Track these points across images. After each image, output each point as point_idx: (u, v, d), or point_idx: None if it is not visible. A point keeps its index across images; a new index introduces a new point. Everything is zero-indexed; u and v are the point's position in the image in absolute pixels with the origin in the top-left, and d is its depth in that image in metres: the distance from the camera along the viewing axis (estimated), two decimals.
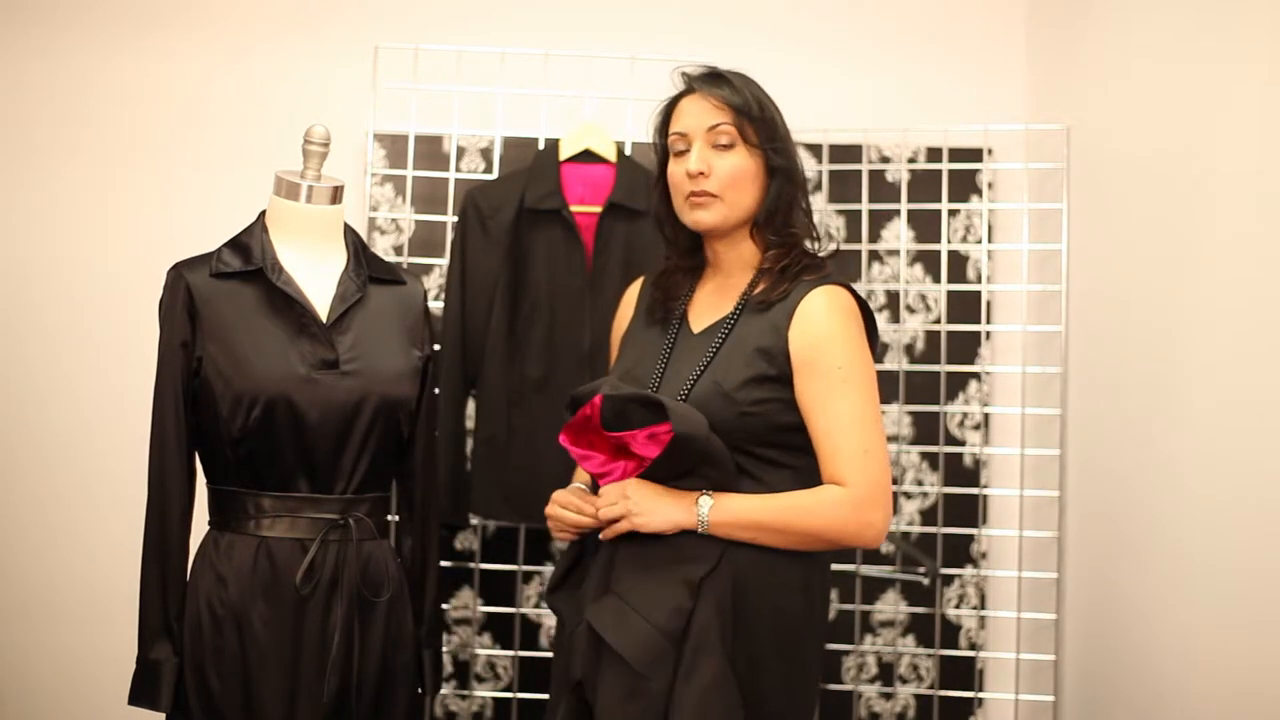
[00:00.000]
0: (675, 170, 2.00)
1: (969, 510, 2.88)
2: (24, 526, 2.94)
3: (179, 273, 1.99)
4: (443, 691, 2.87)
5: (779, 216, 1.98)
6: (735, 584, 1.84)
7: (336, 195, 2.09)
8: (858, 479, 1.84)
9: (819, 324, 1.89)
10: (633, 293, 2.17)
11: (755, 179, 1.97)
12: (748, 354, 1.89)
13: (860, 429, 1.85)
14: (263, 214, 2.08)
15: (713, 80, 2.00)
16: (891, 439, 2.91)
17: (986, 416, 2.91)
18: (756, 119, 1.96)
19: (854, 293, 1.95)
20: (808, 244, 2.03)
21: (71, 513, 2.94)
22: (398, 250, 2.91)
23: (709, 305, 2.02)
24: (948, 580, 2.89)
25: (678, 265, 2.08)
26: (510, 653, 2.84)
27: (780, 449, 1.89)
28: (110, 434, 2.91)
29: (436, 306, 2.65)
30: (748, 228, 2.00)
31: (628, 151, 2.74)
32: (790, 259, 1.96)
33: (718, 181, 1.95)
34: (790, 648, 1.89)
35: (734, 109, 1.96)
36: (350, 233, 2.12)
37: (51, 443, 2.95)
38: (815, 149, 2.94)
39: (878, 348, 2.02)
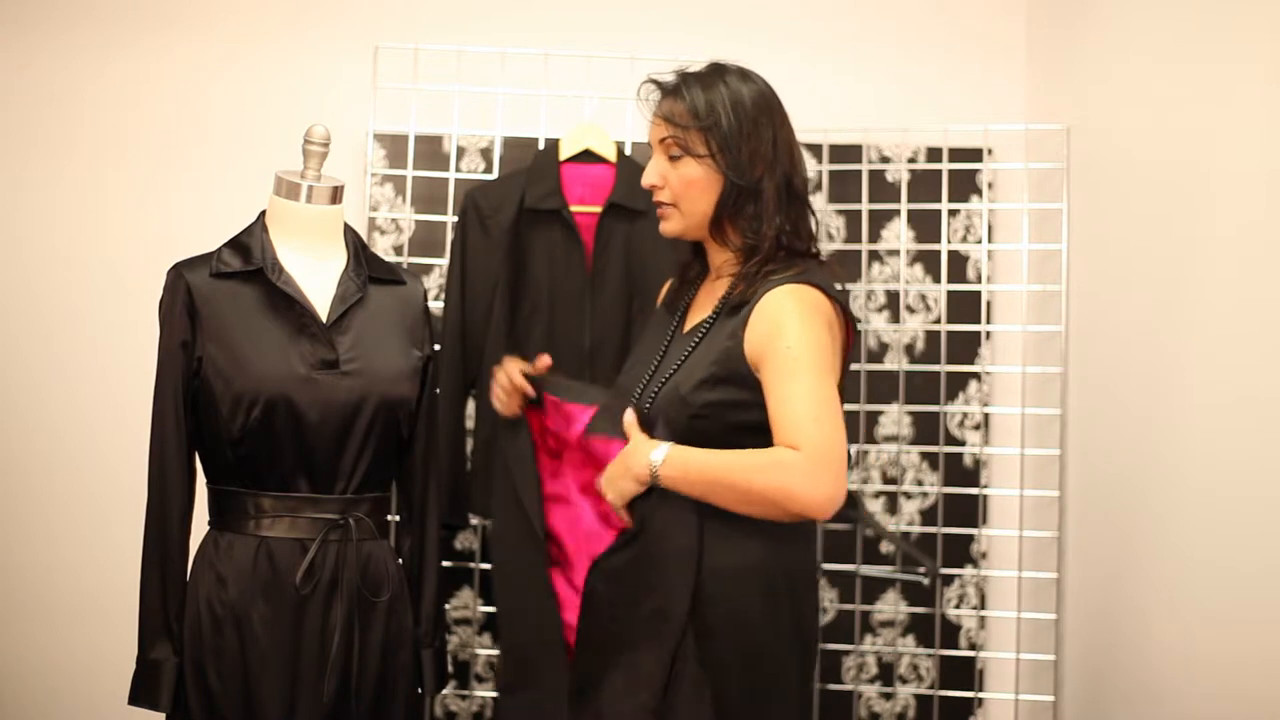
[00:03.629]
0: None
1: (969, 510, 2.88)
2: (24, 526, 2.94)
3: (179, 273, 1.99)
4: (443, 691, 2.87)
5: (740, 223, 1.98)
6: (695, 595, 1.87)
7: (336, 195, 2.08)
8: (808, 443, 1.82)
9: (772, 316, 1.89)
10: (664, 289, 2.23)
11: (708, 188, 1.98)
12: (713, 355, 1.92)
13: (810, 401, 1.84)
14: (263, 214, 2.08)
15: (667, 90, 2.02)
16: (891, 439, 2.91)
17: (986, 416, 2.91)
18: (705, 128, 1.96)
19: (826, 291, 1.93)
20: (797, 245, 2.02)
21: (71, 513, 2.94)
22: (398, 250, 2.91)
23: (702, 306, 2.06)
24: (948, 580, 2.89)
25: (692, 259, 2.13)
26: None
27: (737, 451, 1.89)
28: (110, 434, 2.91)
29: (436, 306, 2.65)
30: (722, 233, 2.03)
31: (628, 151, 2.74)
32: (755, 264, 1.97)
33: (670, 192, 2.00)
34: (753, 657, 1.89)
35: (675, 123, 1.98)
36: (350, 233, 2.12)
37: (51, 442, 2.95)
38: (815, 149, 2.94)
39: (855, 347, 2.02)
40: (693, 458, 1.87)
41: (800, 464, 1.81)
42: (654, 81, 2.04)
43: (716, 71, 2.03)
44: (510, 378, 2.19)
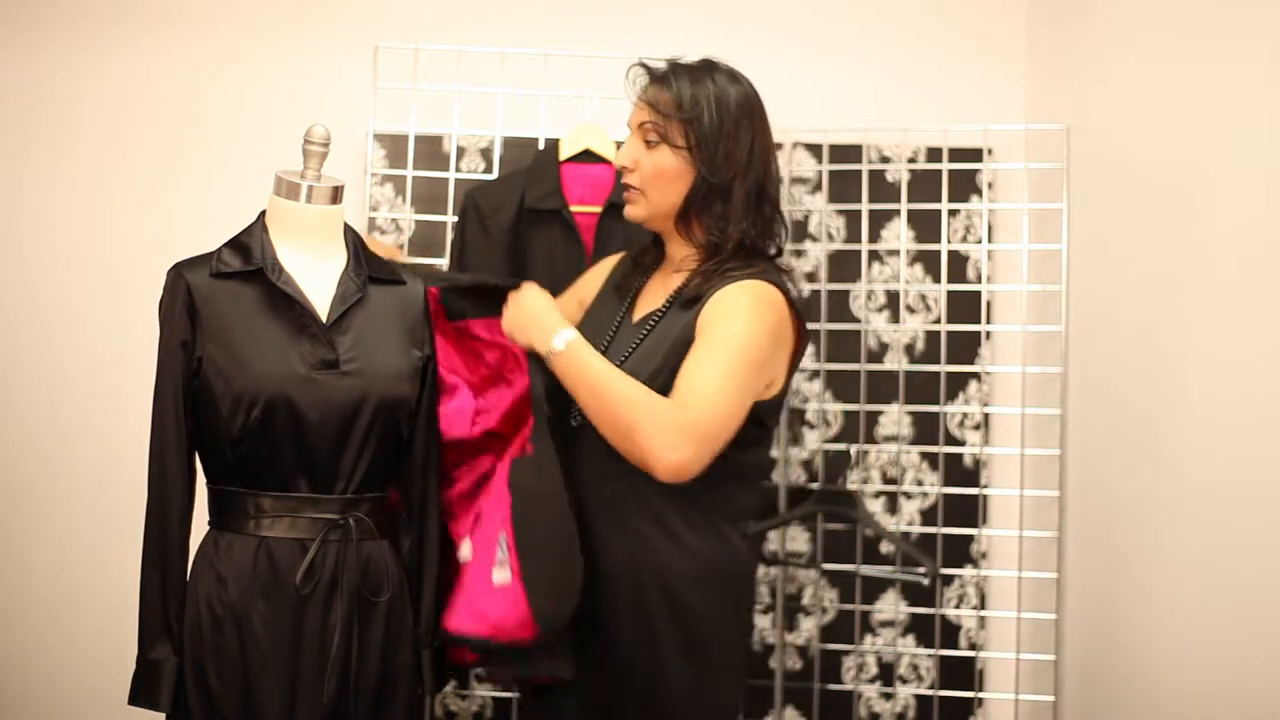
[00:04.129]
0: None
1: (969, 510, 2.88)
2: (25, 526, 2.94)
3: (179, 273, 1.99)
4: (443, 691, 2.87)
5: (706, 220, 2.01)
6: (629, 561, 1.96)
7: (336, 195, 2.08)
8: (695, 409, 1.86)
9: (720, 305, 1.93)
10: (610, 262, 2.25)
11: (679, 179, 2.01)
12: (665, 348, 1.95)
13: (721, 380, 1.87)
14: (262, 214, 2.08)
15: (657, 77, 2.04)
16: (891, 439, 2.91)
17: (986, 416, 2.91)
18: (687, 120, 1.98)
19: (784, 291, 1.98)
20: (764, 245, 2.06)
21: (72, 513, 2.94)
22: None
23: (653, 295, 2.09)
24: (948, 580, 2.89)
25: (650, 245, 2.15)
26: None
27: None
28: (110, 434, 2.91)
29: None
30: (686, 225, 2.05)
31: None
32: (716, 262, 1.99)
33: (640, 177, 2.03)
34: (684, 629, 1.96)
35: (659, 110, 2.00)
36: (350, 233, 2.12)
37: (52, 442, 2.95)
38: (815, 149, 2.94)
39: (805, 348, 2.06)
40: (587, 360, 1.92)
41: (674, 422, 1.85)
42: (644, 66, 2.06)
43: (707, 67, 2.05)
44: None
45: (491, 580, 2.01)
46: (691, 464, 1.87)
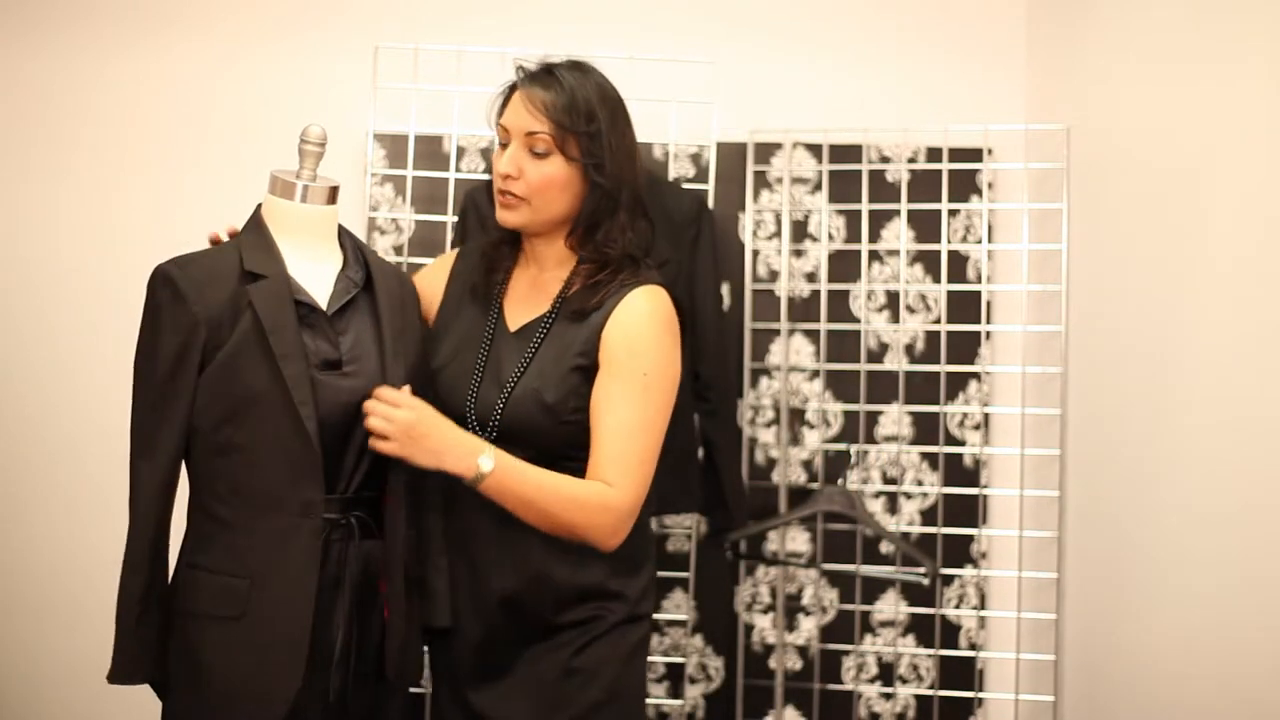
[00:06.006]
0: (496, 162, 1.97)
1: (969, 510, 2.88)
2: (26, 526, 2.95)
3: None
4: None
5: (597, 232, 1.95)
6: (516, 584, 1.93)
7: (332, 195, 2.07)
8: (628, 488, 1.87)
9: (634, 325, 1.90)
10: (446, 261, 2.16)
11: (568, 188, 1.93)
12: (566, 366, 1.91)
13: (644, 438, 1.88)
14: (258, 210, 2.07)
15: (542, 81, 1.94)
16: (891, 439, 2.91)
17: (986, 416, 2.91)
18: (580, 132, 1.90)
19: (668, 289, 1.96)
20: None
21: (74, 512, 2.94)
22: (398, 250, 2.91)
23: (525, 300, 2.01)
24: (948, 580, 2.89)
25: (503, 239, 2.06)
26: None
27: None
28: (111, 433, 2.88)
29: None
30: (563, 230, 1.98)
31: None
32: (605, 274, 1.94)
33: (526, 185, 1.92)
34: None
35: (555, 120, 1.90)
36: (346, 234, 2.11)
37: (53, 441, 2.96)
38: (815, 149, 2.94)
39: (687, 352, 2.03)
40: (516, 475, 1.87)
41: (613, 510, 1.87)
42: (524, 69, 1.97)
43: (584, 69, 1.97)
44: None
45: None
46: (627, 533, 1.91)
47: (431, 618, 2.02)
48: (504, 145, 1.96)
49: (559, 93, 1.91)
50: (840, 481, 2.81)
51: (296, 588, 1.88)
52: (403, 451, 1.86)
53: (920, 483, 2.91)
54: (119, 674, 1.92)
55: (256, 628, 1.88)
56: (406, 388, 1.90)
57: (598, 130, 1.91)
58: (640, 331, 1.90)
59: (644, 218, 1.99)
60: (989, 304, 2.92)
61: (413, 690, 2.12)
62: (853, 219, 2.95)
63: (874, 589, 2.91)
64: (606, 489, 1.87)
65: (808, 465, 2.93)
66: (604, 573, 1.94)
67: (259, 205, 2.05)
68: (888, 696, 2.89)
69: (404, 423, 1.85)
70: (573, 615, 1.94)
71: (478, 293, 2.05)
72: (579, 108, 1.91)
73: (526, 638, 1.95)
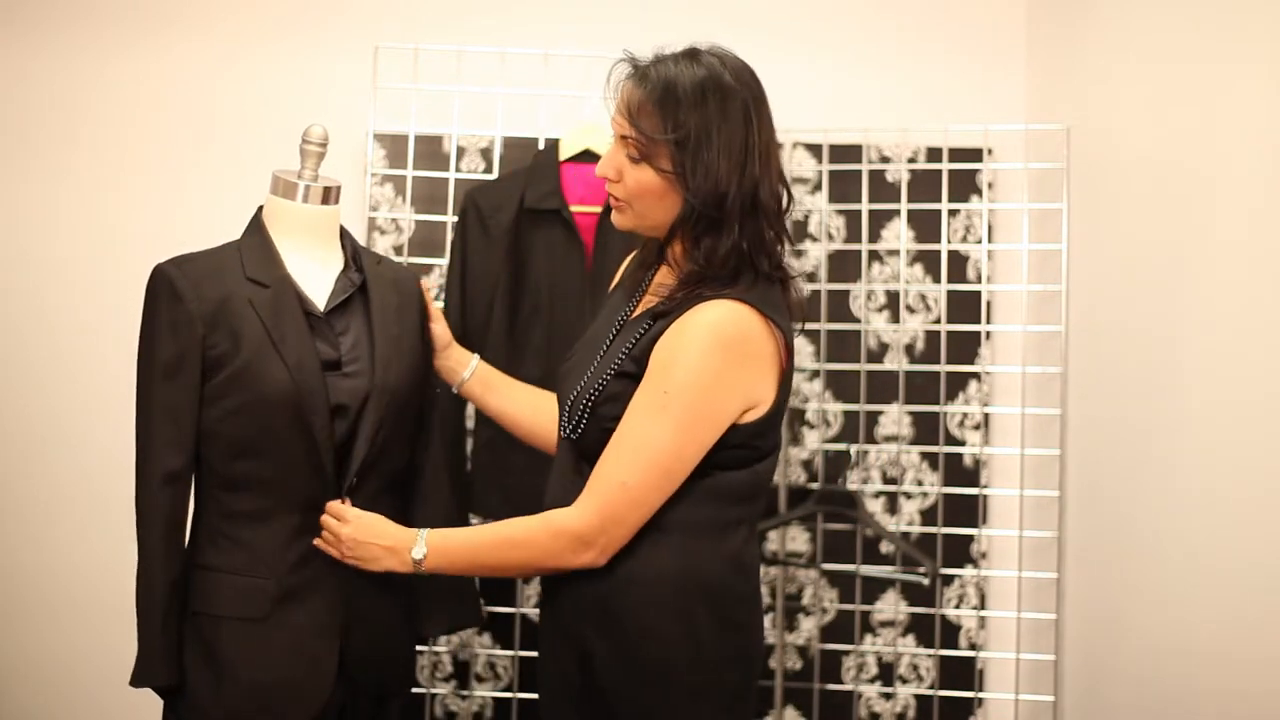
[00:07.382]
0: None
1: (969, 510, 2.88)
2: (27, 526, 2.95)
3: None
4: (443, 691, 2.88)
5: (695, 246, 1.78)
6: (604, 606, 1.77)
7: (334, 195, 2.08)
8: (588, 507, 1.73)
9: (680, 338, 1.74)
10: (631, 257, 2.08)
11: (665, 197, 1.78)
12: (611, 370, 1.81)
13: (637, 458, 1.72)
14: (259, 212, 2.07)
15: (639, 76, 1.79)
16: (891, 439, 2.91)
17: (986, 416, 2.91)
18: (672, 142, 1.73)
19: (763, 311, 1.75)
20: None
21: (75, 512, 2.94)
22: (398, 250, 2.91)
23: (655, 293, 1.89)
24: (948, 580, 2.89)
25: (651, 241, 1.95)
26: (510, 652, 2.83)
27: None
28: (113, 432, 2.89)
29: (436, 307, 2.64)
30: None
31: None
32: (696, 278, 1.78)
33: (624, 190, 1.82)
34: (655, 679, 1.76)
35: (641, 127, 1.75)
36: (346, 235, 2.12)
37: (55, 441, 2.95)
38: (815, 149, 2.94)
39: (790, 359, 1.83)
40: (452, 546, 1.83)
41: (566, 535, 1.73)
42: (629, 62, 1.83)
43: (696, 58, 1.80)
44: None
45: None
46: (602, 554, 1.75)
47: (467, 619, 2.04)
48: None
49: (649, 92, 1.75)
50: (840, 481, 2.81)
51: (323, 586, 1.89)
52: (354, 562, 1.87)
53: (920, 483, 2.91)
54: (143, 676, 1.89)
55: (285, 628, 1.89)
56: (348, 500, 1.90)
57: (685, 139, 1.72)
58: (681, 344, 1.73)
59: (767, 221, 1.78)
60: (989, 304, 2.92)
61: (413, 690, 2.11)
62: (853, 219, 2.95)
63: (874, 589, 2.91)
64: (554, 514, 1.77)
65: (808, 465, 2.93)
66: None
67: (260, 208, 2.06)
68: (888, 696, 2.90)
69: (346, 538, 1.87)
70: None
71: (625, 288, 1.98)
72: (669, 112, 1.74)
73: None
